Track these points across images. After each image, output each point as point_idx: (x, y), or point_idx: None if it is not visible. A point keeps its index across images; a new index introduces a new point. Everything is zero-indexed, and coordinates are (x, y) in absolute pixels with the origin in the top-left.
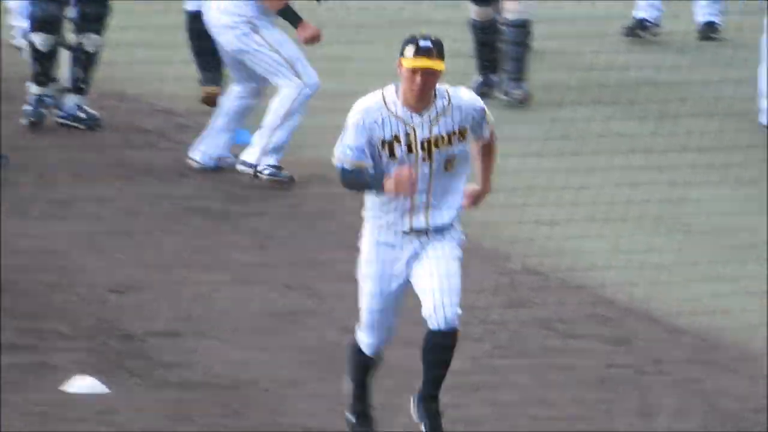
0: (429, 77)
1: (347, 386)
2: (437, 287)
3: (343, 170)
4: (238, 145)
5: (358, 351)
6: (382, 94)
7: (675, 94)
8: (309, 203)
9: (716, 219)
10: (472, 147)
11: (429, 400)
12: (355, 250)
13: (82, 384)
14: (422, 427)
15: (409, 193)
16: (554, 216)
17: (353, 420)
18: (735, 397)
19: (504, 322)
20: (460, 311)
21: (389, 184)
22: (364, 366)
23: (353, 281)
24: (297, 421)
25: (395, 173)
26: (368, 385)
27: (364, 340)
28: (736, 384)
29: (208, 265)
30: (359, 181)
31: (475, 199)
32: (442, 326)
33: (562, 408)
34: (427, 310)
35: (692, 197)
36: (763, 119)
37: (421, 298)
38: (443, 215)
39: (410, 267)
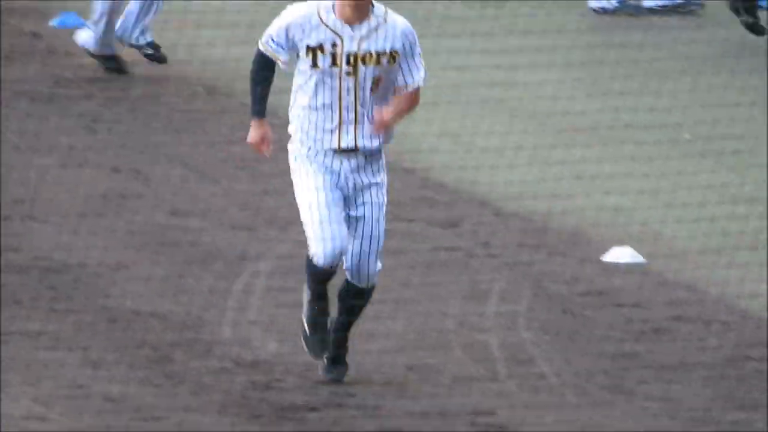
0: None
1: (305, 296)
2: (363, 249)
3: (258, 59)
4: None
5: (310, 264)
6: (317, 4)
7: None
8: (136, 87)
9: (544, 103)
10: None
11: (340, 340)
12: (181, 132)
13: None
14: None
15: (259, 152)
16: None
17: (308, 330)
18: (563, 280)
19: None
20: (380, 266)
21: (251, 133)
22: (319, 279)
23: (180, 164)
24: (126, 304)
25: (252, 137)
26: (324, 296)
27: (315, 251)
28: (564, 267)
29: (35, 149)
30: (252, 88)
31: (378, 125)
32: (363, 285)
33: (391, 291)
34: (348, 271)
35: (519, 81)
36: (592, 3)
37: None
38: (371, 139)
39: (346, 197)
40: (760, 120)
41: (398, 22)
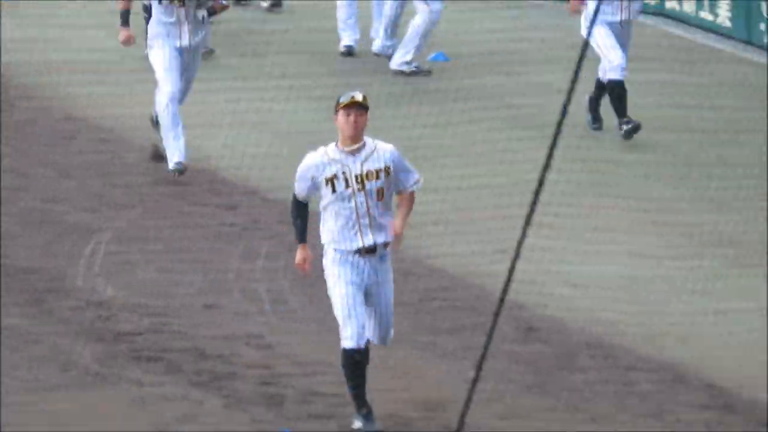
0: (359, 116)
1: (351, 392)
2: (383, 323)
3: (293, 201)
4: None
5: (346, 356)
6: (325, 149)
7: (263, 38)
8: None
9: (298, 124)
10: (397, 198)
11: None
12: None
13: None
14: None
15: (303, 271)
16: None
17: (359, 419)
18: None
19: None
20: (392, 333)
21: (297, 257)
22: (354, 364)
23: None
24: (17, 263)
25: (298, 259)
26: (364, 383)
27: (347, 334)
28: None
29: None
30: (294, 222)
31: (397, 240)
32: (384, 344)
33: (190, 252)
34: (375, 337)
35: (278, 109)
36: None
37: (369, 328)
38: (383, 234)
39: (367, 289)
40: None
41: (385, 146)
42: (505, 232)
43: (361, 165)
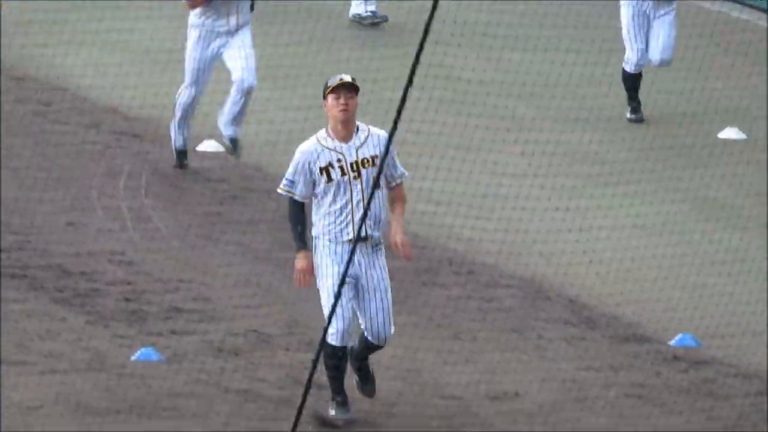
0: (350, 99)
1: (329, 382)
2: (379, 317)
3: (291, 207)
4: None
5: (329, 349)
6: (316, 136)
7: None
8: None
9: (159, 43)
10: (388, 194)
11: (362, 366)
12: None
13: None
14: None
15: (302, 284)
16: None
17: (333, 408)
18: (169, 163)
19: None
20: (393, 330)
21: (296, 264)
22: (336, 359)
23: None
24: None
25: (297, 272)
26: (342, 376)
27: (332, 331)
28: (170, 155)
29: None
30: (291, 225)
31: (404, 248)
32: (383, 344)
33: (53, 171)
34: (370, 334)
35: (140, 28)
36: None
37: (364, 324)
38: (378, 224)
39: (358, 284)
40: None
41: (379, 131)
42: None
43: (357, 151)
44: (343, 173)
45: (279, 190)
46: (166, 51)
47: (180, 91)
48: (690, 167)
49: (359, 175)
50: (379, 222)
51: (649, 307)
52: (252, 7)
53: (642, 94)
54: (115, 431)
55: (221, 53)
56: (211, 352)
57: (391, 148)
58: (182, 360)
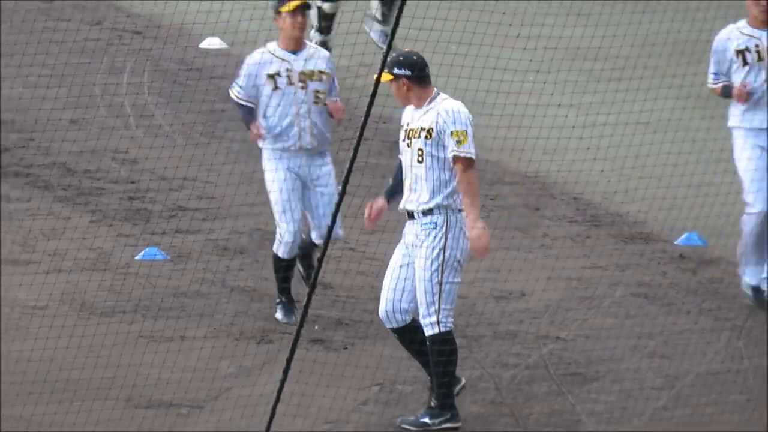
0: (304, 17)
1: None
2: (324, 213)
3: (237, 106)
4: None
5: (276, 257)
6: (266, 46)
7: None
8: None
9: None
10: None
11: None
12: None
13: None
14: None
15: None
16: None
17: (280, 312)
18: (173, 60)
19: None
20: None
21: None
22: (287, 260)
23: None
24: None
25: (252, 136)
26: (290, 278)
27: (282, 230)
28: (173, 53)
29: None
30: (243, 119)
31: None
32: (316, 240)
33: (56, 69)
34: (315, 230)
35: None
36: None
37: (311, 222)
38: (321, 137)
39: (305, 184)
40: None
41: (324, 52)
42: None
43: (304, 62)
44: (290, 82)
45: (230, 93)
46: None
47: None
48: (694, 63)
49: (306, 86)
50: (322, 134)
51: (655, 205)
52: None
53: None
54: (121, 331)
55: None
56: (216, 251)
57: (334, 68)
58: (187, 259)
